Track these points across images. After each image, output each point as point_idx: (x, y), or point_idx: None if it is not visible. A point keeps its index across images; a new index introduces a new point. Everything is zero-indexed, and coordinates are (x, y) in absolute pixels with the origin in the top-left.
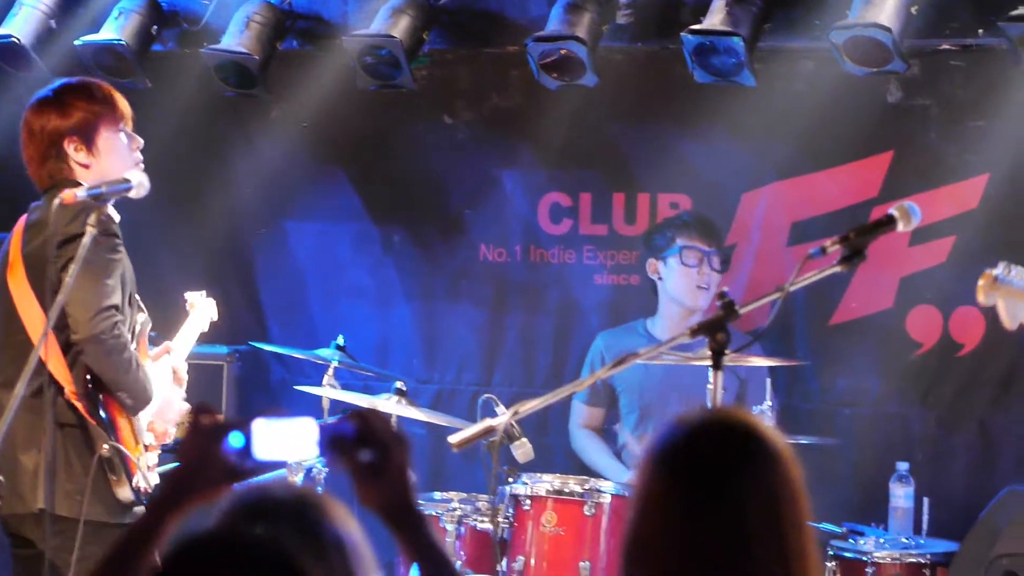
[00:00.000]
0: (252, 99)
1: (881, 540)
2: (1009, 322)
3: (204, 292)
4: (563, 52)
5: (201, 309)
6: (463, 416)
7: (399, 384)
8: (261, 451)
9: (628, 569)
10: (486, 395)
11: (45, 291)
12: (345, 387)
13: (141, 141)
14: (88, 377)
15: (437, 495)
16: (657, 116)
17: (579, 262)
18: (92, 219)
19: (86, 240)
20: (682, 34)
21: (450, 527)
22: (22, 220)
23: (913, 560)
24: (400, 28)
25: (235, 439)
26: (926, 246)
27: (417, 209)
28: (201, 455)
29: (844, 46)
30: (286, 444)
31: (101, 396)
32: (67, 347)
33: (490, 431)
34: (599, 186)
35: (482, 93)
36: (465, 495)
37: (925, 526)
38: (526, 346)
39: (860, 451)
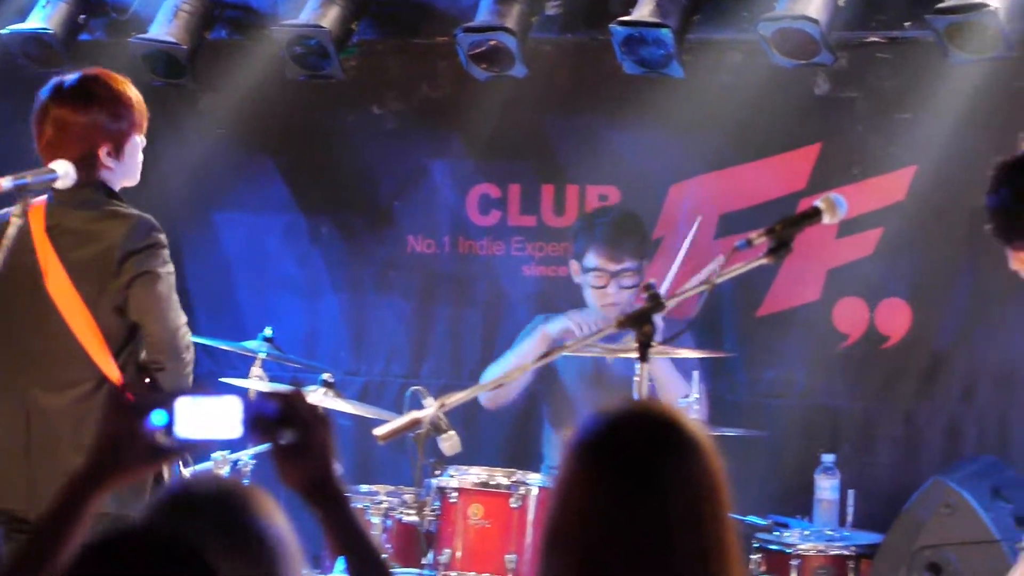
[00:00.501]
0: (180, 89)
1: (806, 532)
2: None
3: None
4: (492, 43)
5: None
6: (391, 408)
7: (326, 376)
8: (184, 430)
9: (547, 557)
10: (414, 387)
11: (100, 302)
12: (273, 379)
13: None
14: (146, 381)
15: (364, 488)
16: (586, 107)
17: (508, 253)
18: (17, 210)
19: (11, 231)
20: (611, 25)
21: (376, 520)
22: (38, 211)
23: (837, 552)
24: (329, 18)
25: (158, 417)
26: (853, 238)
27: (345, 200)
28: (122, 433)
29: (772, 38)
30: (209, 423)
31: None
32: (118, 353)
33: (416, 423)
34: (528, 177)
35: (411, 84)
36: (392, 488)
37: (850, 518)
38: (454, 338)
39: (786, 443)
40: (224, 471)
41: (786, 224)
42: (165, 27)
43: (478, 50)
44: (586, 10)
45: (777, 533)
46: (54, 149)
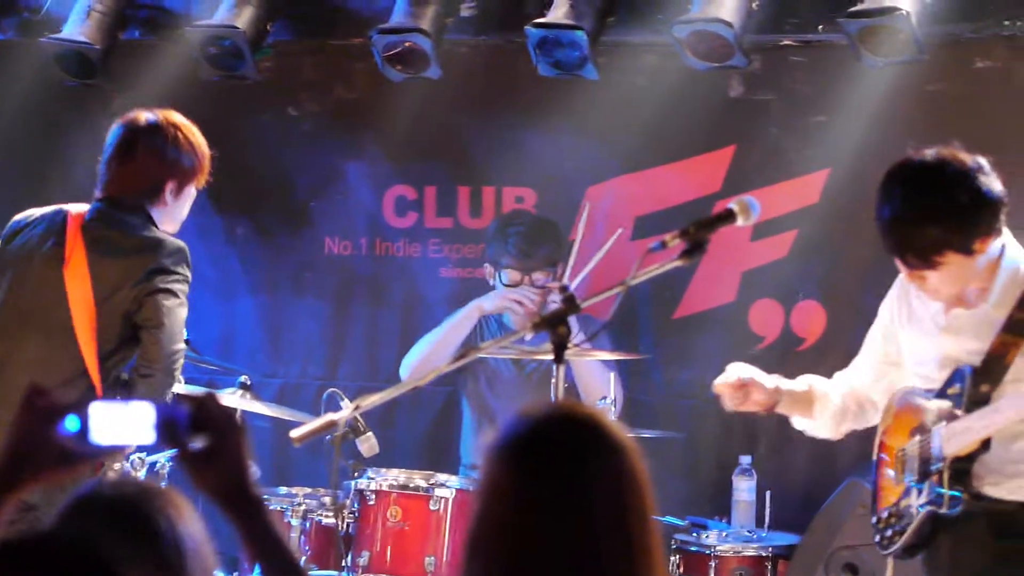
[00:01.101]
0: (94, 89)
1: (724, 533)
2: None
3: None
4: (407, 44)
5: None
6: (308, 410)
7: (243, 378)
8: (97, 435)
9: (469, 562)
10: (330, 389)
11: (110, 303)
12: (189, 381)
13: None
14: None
15: (282, 490)
16: (502, 109)
17: (424, 255)
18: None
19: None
20: (526, 27)
21: (295, 522)
22: (77, 216)
23: (755, 553)
24: (244, 19)
25: (70, 422)
26: (768, 240)
27: (261, 201)
28: (34, 437)
29: (686, 40)
30: (122, 428)
31: None
32: (106, 357)
33: (332, 425)
34: (444, 179)
35: (326, 85)
36: (310, 490)
37: (767, 519)
38: (371, 340)
39: (703, 444)
40: (141, 473)
41: (700, 226)
42: (78, 27)
43: (393, 52)
44: (501, 12)
45: (695, 534)
46: (123, 160)
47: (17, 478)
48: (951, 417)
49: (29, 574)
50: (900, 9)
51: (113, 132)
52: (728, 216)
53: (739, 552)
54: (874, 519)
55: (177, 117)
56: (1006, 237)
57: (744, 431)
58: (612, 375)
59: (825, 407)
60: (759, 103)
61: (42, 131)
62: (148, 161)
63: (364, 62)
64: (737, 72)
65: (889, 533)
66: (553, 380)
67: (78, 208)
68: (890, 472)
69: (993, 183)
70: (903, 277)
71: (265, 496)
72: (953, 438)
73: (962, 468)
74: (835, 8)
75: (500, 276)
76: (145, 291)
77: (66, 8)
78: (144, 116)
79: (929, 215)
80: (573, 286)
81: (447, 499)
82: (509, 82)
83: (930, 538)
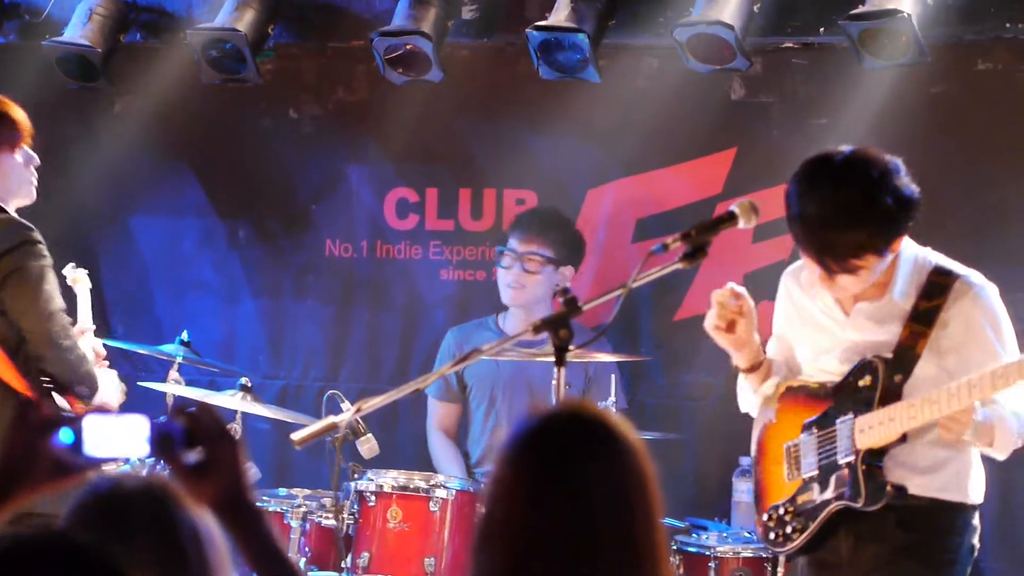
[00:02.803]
0: (95, 92)
1: (724, 534)
2: None
3: (73, 264)
4: (409, 47)
5: (83, 282)
6: (309, 412)
7: (244, 380)
8: (91, 448)
9: (478, 556)
10: (331, 391)
11: None
12: (191, 383)
13: (37, 160)
14: (44, 379)
15: (282, 491)
16: (503, 112)
17: (425, 257)
18: None
19: None
20: (527, 30)
21: (295, 523)
22: None
23: (754, 554)
24: (245, 22)
25: (64, 435)
26: (770, 242)
27: (263, 204)
28: (28, 449)
29: (688, 43)
30: (117, 441)
31: (60, 394)
32: (14, 355)
33: (332, 428)
34: (445, 181)
35: (328, 88)
36: (310, 491)
37: None
38: (372, 342)
39: (703, 446)
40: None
41: (701, 229)
42: (79, 30)
43: (394, 54)
44: (502, 15)
45: (695, 535)
46: None
47: (11, 491)
48: (858, 409)
49: (39, 574)
50: (901, 11)
51: None
52: (730, 219)
53: (739, 553)
54: (764, 516)
55: None
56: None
57: (744, 432)
58: (613, 377)
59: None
60: (760, 106)
61: (44, 134)
62: None
63: (365, 64)
64: (738, 75)
65: (787, 530)
66: (554, 382)
67: None
68: (775, 468)
69: (911, 183)
70: (788, 280)
71: (265, 499)
72: (869, 430)
73: (874, 462)
74: (836, 10)
75: (499, 259)
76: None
77: (67, 11)
78: None
79: (854, 219)
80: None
81: (447, 500)
82: (510, 85)
83: (829, 533)
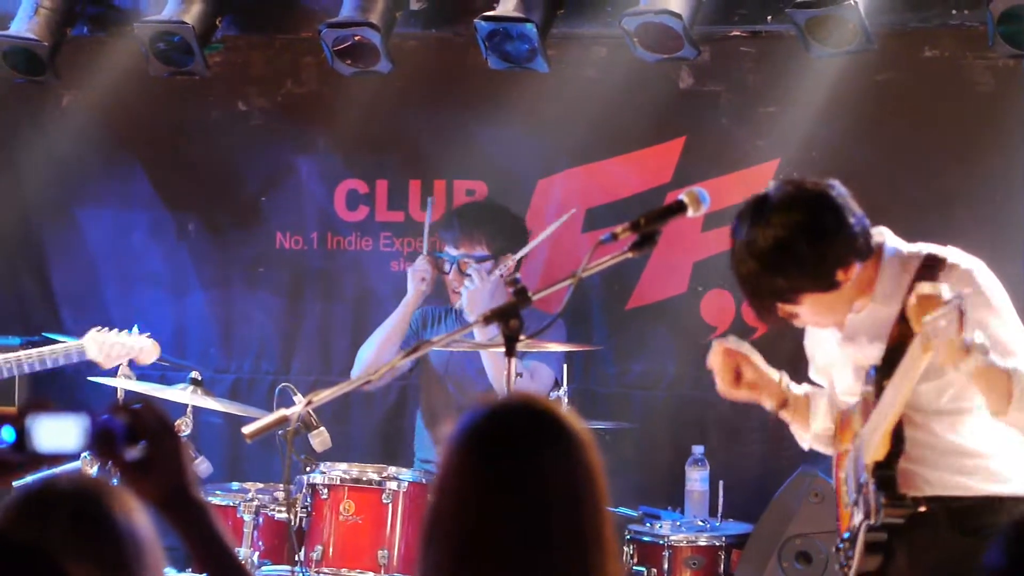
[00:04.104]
0: (42, 86)
1: (677, 523)
2: None
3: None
4: (357, 38)
5: None
6: (261, 405)
7: (195, 374)
8: (33, 445)
9: (427, 547)
10: (283, 384)
11: None
12: (141, 378)
13: None
14: None
15: (235, 485)
16: (452, 103)
17: (376, 249)
18: None
19: None
20: (475, 20)
21: (247, 517)
22: None
23: (708, 543)
24: (192, 14)
25: (6, 433)
26: (719, 231)
27: (212, 197)
28: None
29: (636, 32)
30: (58, 439)
31: None
32: None
33: (284, 421)
34: (395, 173)
35: (276, 80)
36: (262, 485)
37: (720, 509)
38: (324, 334)
39: (656, 435)
40: (92, 470)
41: (650, 218)
42: (25, 24)
43: (343, 46)
44: (450, 5)
45: (648, 524)
46: None
47: None
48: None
49: None
50: None
51: None
52: (678, 207)
53: (692, 542)
54: (834, 550)
55: None
56: (885, 235)
57: (696, 421)
58: (564, 367)
59: (818, 407)
60: (709, 94)
61: None
62: None
63: (314, 56)
64: (686, 63)
65: (844, 562)
66: (504, 372)
67: None
68: (843, 498)
69: (839, 215)
70: None
71: (217, 493)
72: (868, 443)
73: (885, 475)
74: None
75: (439, 264)
76: None
77: (13, 5)
78: None
79: (776, 269)
80: (519, 257)
81: (399, 492)
82: (459, 75)
83: (885, 551)
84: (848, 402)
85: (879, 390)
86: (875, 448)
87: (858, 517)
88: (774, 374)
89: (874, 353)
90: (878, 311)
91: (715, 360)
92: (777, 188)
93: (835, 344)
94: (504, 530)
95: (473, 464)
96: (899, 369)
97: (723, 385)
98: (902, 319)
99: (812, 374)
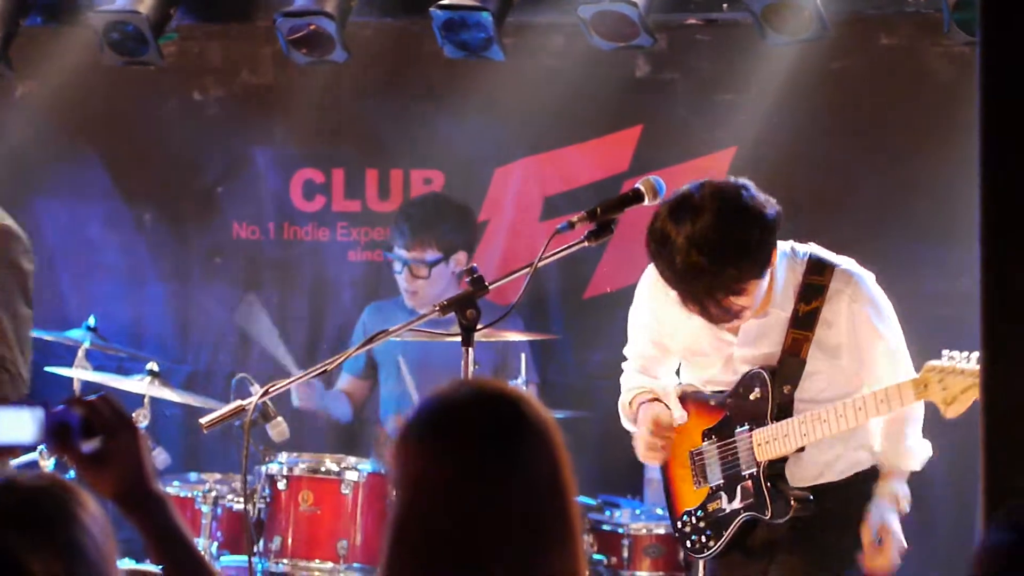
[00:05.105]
0: None
1: (637, 512)
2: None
3: None
4: (312, 27)
5: None
6: (218, 396)
7: (151, 365)
8: None
9: (393, 548)
10: (240, 374)
11: None
12: (98, 368)
13: None
14: None
15: (193, 476)
16: (408, 91)
17: (333, 239)
18: None
19: None
20: (431, 9)
21: (205, 508)
22: None
23: (667, 531)
24: (146, 3)
25: None
26: None
27: (168, 187)
28: None
29: (591, 20)
30: (13, 432)
31: None
32: None
33: (241, 411)
34: (352, 162)
35: (232, 69)
36: (220, 476)
37: None
38: (281, 324)
39: (615, 423)
40: (48, 466)
41: (607, 207)
42: None
43: (298, 35)
44: None
45: (608, 513)
46: None
47: None
48: (753, 423)
49: None
50: None
51: None
52: (635, 196)
53: (652, 530)
54: (679, 523)
55: None
56: None
57: None
58: (524, 356)
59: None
60: (665, 82)
61: None
62: None
63: (269, 46)
64: (643, 52)
65: (703, 539)
66: (462, 362)
67: None
68: (682, 472)
69: (764, 199)
70: (652, 274)
71: (175, 484)
72: (766, 444)
73: (776, 471)
74: None
75: (393, 261)
76: None
77: None
78: None
79: (727, 258)
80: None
81: (358, 483)
82: (415, 64)
83: (746, 535)
84: (700, 387)
85: (779, 393)
86: (777, 451)
87: (729, 504)
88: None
89: (767, 353)
90: (776, 315)
91: (655, 443)
92: (695, 187)
93: (705, 332)
94: (471, 522)
95: (436, 457)
96: (855, 401)
97: (651, 457)
98: (795, 325)
99: (645, 347)
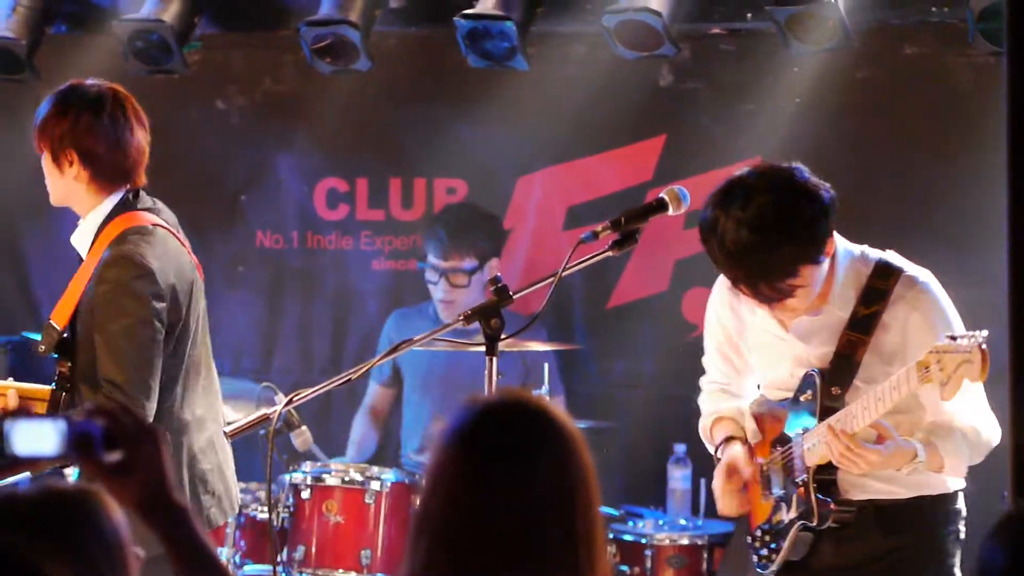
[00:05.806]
0: (21, 85)
1: (659, 522)
2: None
3: None
4: (336, 36)
5: None
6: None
7: None
8: (10, 450)
9: (414, 547)
10: (264, 383)
11: None
12: None
13: None
14: None
15: None
16: (432, 100)
17: (356, 248)
18: None
19: None
20: (455, 18)
21: (230, 517)
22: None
23: (690, 541)
24: (170, 12)
25: None
26: None
27: (192, 195)
28: None
29: (616, 30)
30: (36, 443)
31: None
32: None
33: (265, 420)
34: (375, 171)
35: (255, 78)
36: (244, 485)
37: (702, 507)
38: (304, 333)
39: (638, 433)
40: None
41: (630, 216)
42: (3, 22)
43: (322, 44)
44: (429, 3)
45: (631, 523)
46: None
47: None
48: (807, 426)
49: None
50: None
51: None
52: (659, 206)
53: (675, 540)
54: (748, 539)
55: None
56: (835, 235)
57: (678, 419)
58: (547, 365)
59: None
60: (689, 92)
61: None
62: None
63: (293, 54)
64: (666, 61)
65: (765, 552)
66: (486, 372)
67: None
68: (755, 488)
69: (818, 181)
70: (724, 288)
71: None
72: (813, 448)
73: (827, 479)
74: None
75: (423, 273)
76: None
77: None
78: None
79: (777, 235)
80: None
81: (382, 493)
82: (439, 73)
83: (811, 548)
84: (770, 396)
85: (827, 394)
86: (820, 456)
87: (787, 514)
88: (740, 450)
89: (821, 353)
90: (833, 314)
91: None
92: (747, 171)
93: (772, 336)
94: (496, 529)
95: (465, 463)
96: (876, 391)
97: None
98: (852, 327)
99: (720, 364)
